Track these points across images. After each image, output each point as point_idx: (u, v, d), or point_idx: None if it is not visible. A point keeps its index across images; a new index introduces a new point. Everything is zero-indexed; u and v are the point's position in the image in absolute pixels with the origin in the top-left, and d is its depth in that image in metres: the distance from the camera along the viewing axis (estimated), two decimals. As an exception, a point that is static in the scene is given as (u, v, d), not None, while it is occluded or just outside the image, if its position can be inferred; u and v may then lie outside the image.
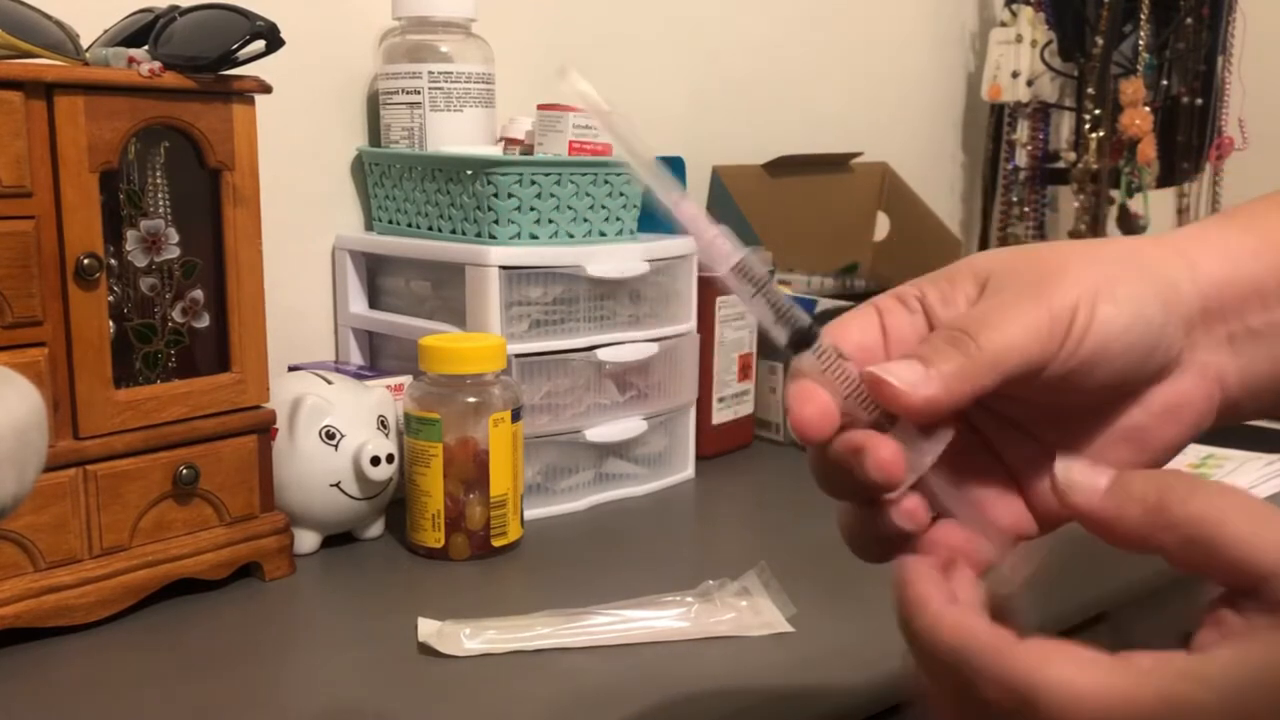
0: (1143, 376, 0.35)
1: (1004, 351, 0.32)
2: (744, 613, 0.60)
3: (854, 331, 0.35)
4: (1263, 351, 0.36)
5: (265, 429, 0.65)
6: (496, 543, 0.70)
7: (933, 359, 0.33)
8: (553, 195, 0.79)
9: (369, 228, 0.92)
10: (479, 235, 0.79)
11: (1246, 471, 0.84)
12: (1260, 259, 0.35)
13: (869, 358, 0.34)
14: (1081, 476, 0.32)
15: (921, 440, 0.34)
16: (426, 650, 0.56)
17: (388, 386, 0.73)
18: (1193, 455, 0.89)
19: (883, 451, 0.32)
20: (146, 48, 0.60)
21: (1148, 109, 1.23)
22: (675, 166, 0.93)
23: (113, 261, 0.60)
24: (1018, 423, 0.37)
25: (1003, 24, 1.34)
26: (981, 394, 0.33)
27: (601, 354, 0.80)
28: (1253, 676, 0.27)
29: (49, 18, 0.58)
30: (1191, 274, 0.35)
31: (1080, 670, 0.28)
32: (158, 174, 0.62)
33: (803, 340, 0.35)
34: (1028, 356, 0.32)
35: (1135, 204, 1.26)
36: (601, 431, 0.80)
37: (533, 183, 0.78)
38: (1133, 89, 1.22)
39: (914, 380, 0.32)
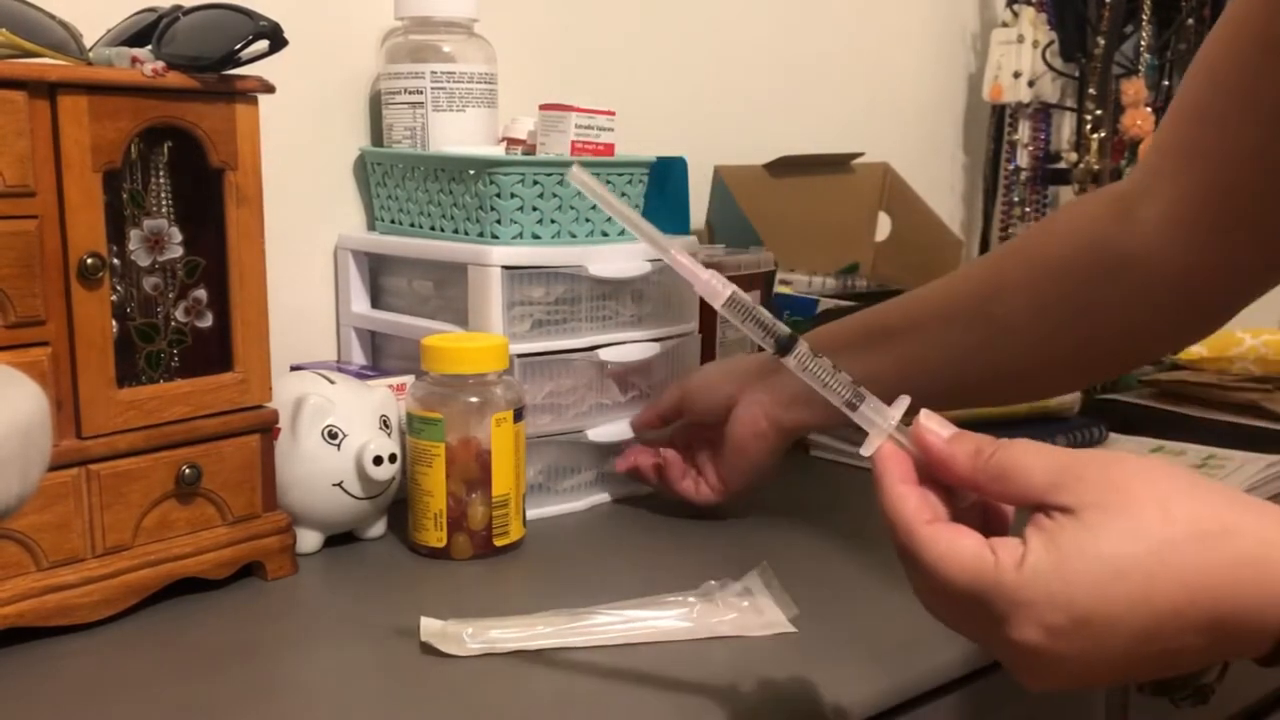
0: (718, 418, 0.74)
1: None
2: (746, 613, 0.60)
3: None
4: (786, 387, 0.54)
5: (268, 428, 0.65)
6: (499, 542, 0.70)
7: None
8: (555, 195, 0.79)
9: (371, 227, 0.92)
10: (481, 235, 0.79)
11: (1246, 471, 0.84)
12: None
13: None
14: (935, 425, 0.43)
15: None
16: (429, 650, 0.56)
17: (390, 386, 0.74)
18: (1194, 456, 0.89)
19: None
20: (150, 47, 0.60)
21: (1149, 109, 1.23)
22: (677, 166, 0.93)
23: (116, 261, 0.60)
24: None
25: (1004, 24, 1.34)
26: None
27: (603, 354, 0.80)
28: (1048, 558, 0.38)
29: (52, 17, 0.58)
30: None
31: (951, 541, 0.40)
32: (161, 174, 0.62)
33: (785, 347, 0.45)
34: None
35: (1136, 204, 1.25)
36: (603, 431, 0.80)
37: (535, 183, 0.79)
38: (1134, 89, 1.22)
39: None
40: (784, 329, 0.46)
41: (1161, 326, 0.64)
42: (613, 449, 0.81)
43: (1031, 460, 0.40)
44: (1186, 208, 0.59)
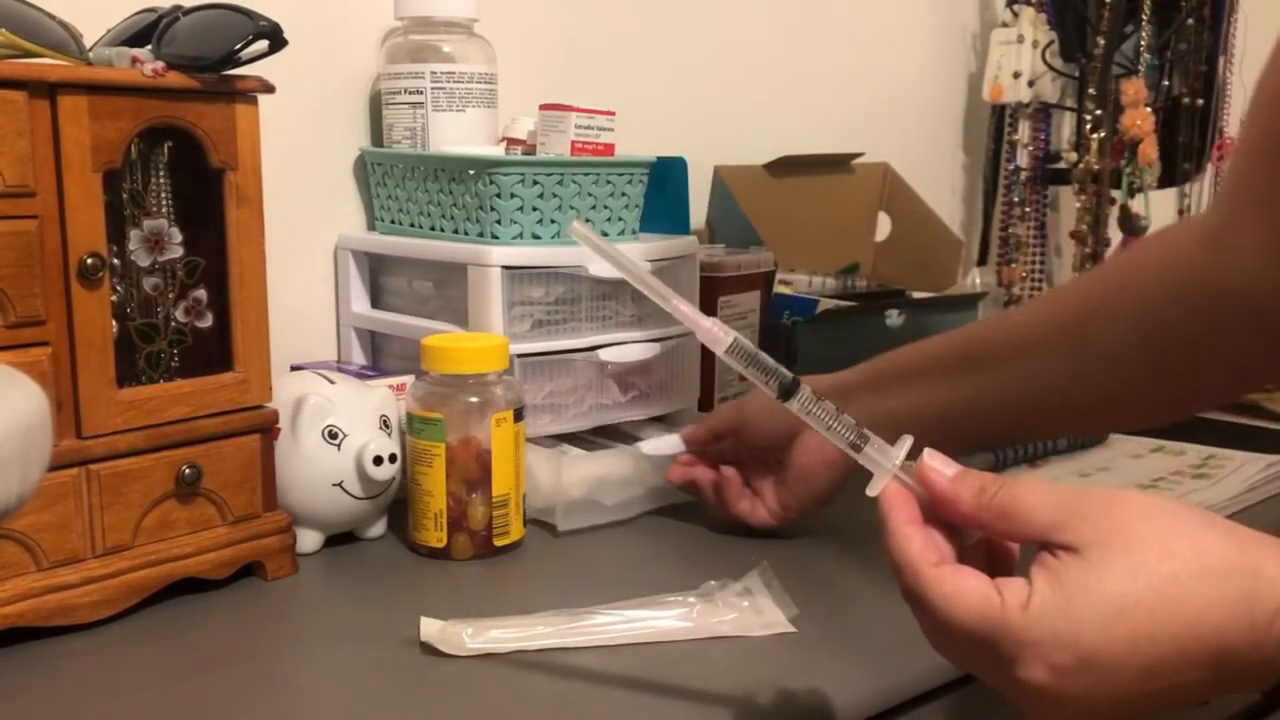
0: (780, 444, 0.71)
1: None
2: (746, 613, 0.60)
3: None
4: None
5: (268, 428, 0.65)
6: (499, 542, 0.70)
7: None
8: (555, 195, 0.79)
9: (371, 227, 0.92)
10: (481, 235, 0.79)
11: (1246, 471, 0.84)
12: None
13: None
14: (938, 464, 0.44)
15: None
16: (429, 650, 0.56)
17: (390, 386, 0.74)
18: (1194, 456, 0.89)
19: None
20: (150, 47, 0.60)
21: (1149, 109, 1.23)
22: (677, 166, 0.93)
23: (116, 261, 0.60)
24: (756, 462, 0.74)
25: (1004, 24, 1.34)
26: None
27: (604, 354, 0.80)
28: (1054, 598, 0.39)
29: (52, 17, 0.58)
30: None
31: (957, 582, 0.41)
32: (161, 174, 0.62)
33: (789, 391, 0.46)
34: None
35: (1137, 205, 1.26)
36: (657, 445, 0.78)
37: (535, 183, 0.79)
38: (1134, 89, 1.22)
39: None
40: (786, 374, 0.46)
41: (1259, 357, 0.60)
42: (664, 462, 0.77)
43: (1035, 498, 0.41)
44: (1278, 240, 0.56)
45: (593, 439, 0.85)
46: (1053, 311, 0.65)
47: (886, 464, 0.45)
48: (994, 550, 0.44)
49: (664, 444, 0.78)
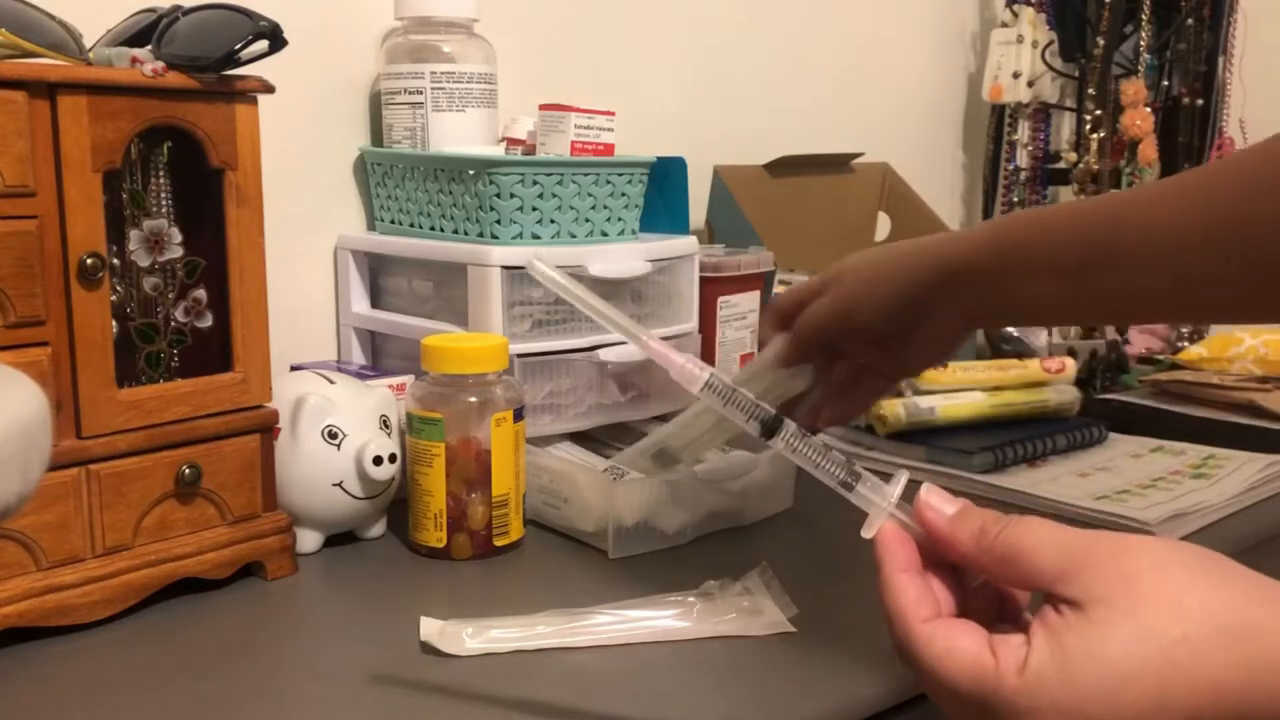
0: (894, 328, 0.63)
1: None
2: (745, 613, 0.60)
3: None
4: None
5: (268, 428, 0.65)
6: (499, 542, 0.70)
7: None
8: (554, 195, 0.79)
9: (371, 227, 0.93)
10: (481, 235, 0.79)
11: (1246, 472, 0.84)
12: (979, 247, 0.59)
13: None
14: (937, 501, 0.41)
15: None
16: (429, 650, 0.56)
17: (390, 386, 0.74)
18: (1194, 456, 0.89)
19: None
20: (149, 48, 0.60)
21: (1149, 109, 1.23)
22: (676, 166, 0.93)
23: (115, 261, 0.60)
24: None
25: (1004, 24, 1.34)
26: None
27: (603, 354, 0.80)
28: (1053, 661, 0.36)
29: (52, 18, 0.58)
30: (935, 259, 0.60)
31: (949, 640, 0.38)
32: (160, 174, 0.62)
33: (770, 430, 0.43)
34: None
35: (1136, 204, 1.25)
36: (714, 470, 0.75)
37: (535, 183, 0.79)
38: (1134, 89, 1.22)
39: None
40: (768, 410, 0.44)
41: None
42: (721, 486, 0.73)
43: (1038, 543, 0.38)
44: None
45: (603, 440, 0.85)
46: (1199, 213, 0.56)
47: (881, 503, 0.42)
48: (1002, 592, 0.42)
49: (721, 468, 0.74)
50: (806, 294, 0.67)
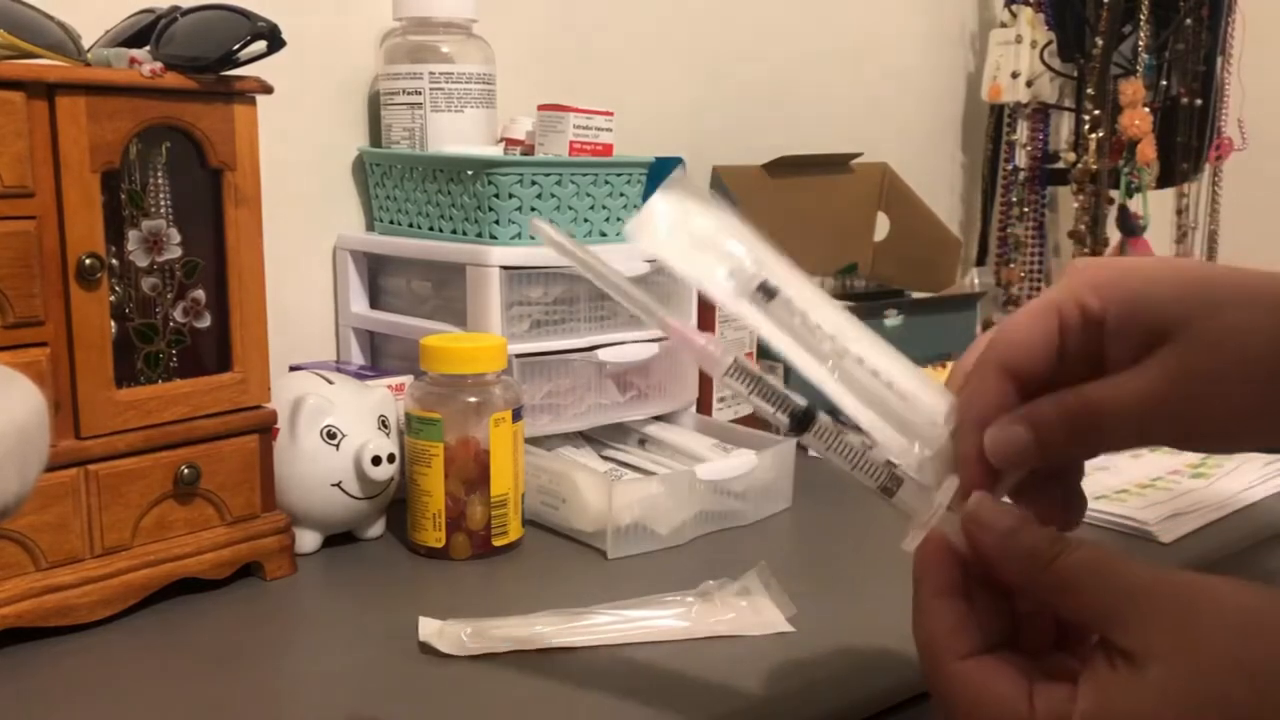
0: None
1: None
2: (744, 612, 0.60)
3: (1023, 333, 0.39)
4: None
5: (266, 429, 0.65)
6: (497, 542, 0.70)
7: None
8: (553, 195, 0.79)
9: (370, 228, 0.93)
10: (480, 235, 0.79)
11: (1246, 472, 0.84)
12: None
13: (1034, 363, 0.39)
14: (988, 515, 0.37)
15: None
16: (427, 650, 0.56)
17: (389, 386, 0.74)
18: (1192, 456, 0.89)
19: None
20: (148, 48, 0.60)
21: (1147, 109, 1.23)
22: (675, 166, 0.93)
23: (114, 261, 0.60)
24: None
25: (1002, 24, 1.34)
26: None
27: (602, 354, 0.80)
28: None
29: (51, 18, 0.58)
30: None
31: (984, 687, 0.35)
32: (159, 174, 0.62)
33: (802, 423, 0.39)
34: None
35: (1135, 204, 1.26)
36: (713, 470, 0.74)
37: (533, 183, 0.79)
38: (1132, 89, 1.22)
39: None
40: (799, 400, 0.39)
41: None
42: (719, 486, 0.74)
43: (1097, 580, 0.34)
44: None
45: (602, 440, 0.85)
46: None
47: (924, 514, 0.38)
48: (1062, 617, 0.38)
49: (720, 468, 0.74)
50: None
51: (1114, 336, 0.37)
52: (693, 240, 0.41)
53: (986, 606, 0.37)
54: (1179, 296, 0.36)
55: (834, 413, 0.40)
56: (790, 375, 0.40)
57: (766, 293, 0.40)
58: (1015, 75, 1.32)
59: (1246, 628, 0.31)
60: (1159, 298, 0.36)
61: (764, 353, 0.67)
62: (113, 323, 0.60)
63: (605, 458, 0.83)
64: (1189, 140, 1.31)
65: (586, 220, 0.82)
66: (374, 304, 0.90)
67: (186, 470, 0.61)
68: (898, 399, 0.40)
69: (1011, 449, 0.38)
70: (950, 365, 0.46)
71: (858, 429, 0.39)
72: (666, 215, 0.41)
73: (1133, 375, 0.36)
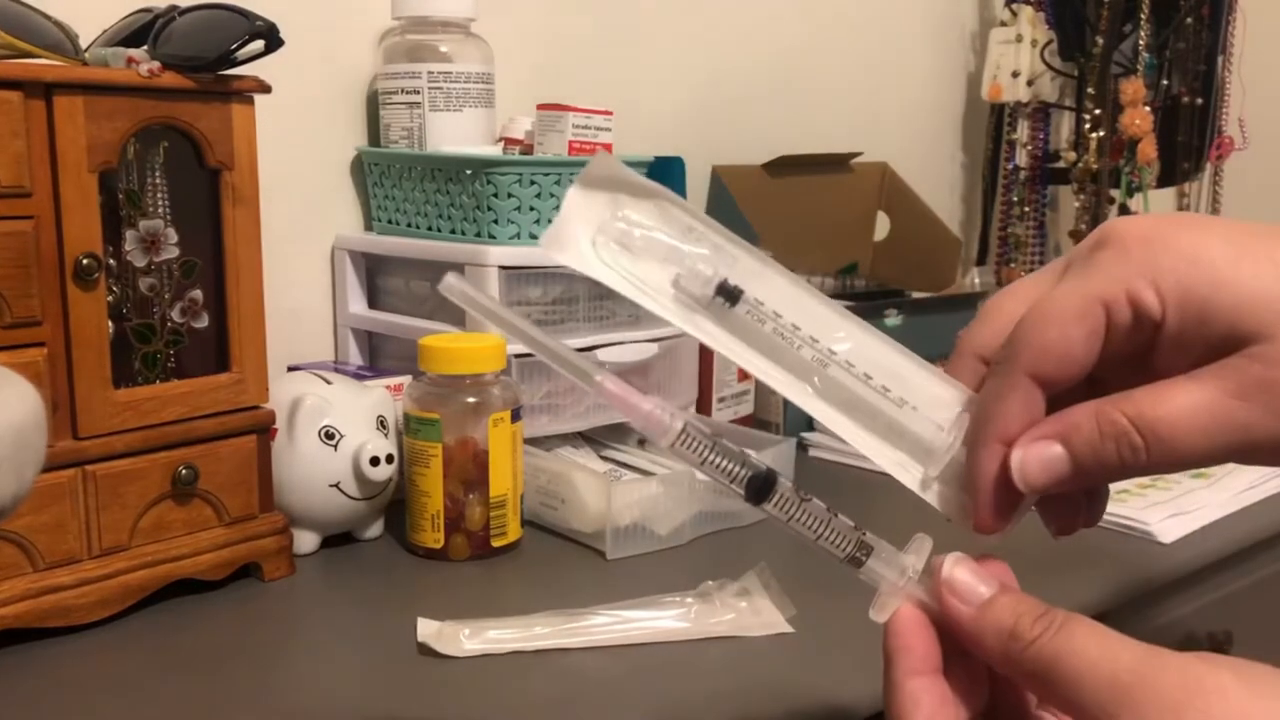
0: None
1: None
2: (743, 613, 0.60)
3: (1059, 337, 0.33)
4: None
5: (264, 429, 0.65)
6: (496, 543, 0.70)
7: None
8: (552, 195, 0.79)
9: (368, 228, 0.92)
10: (478, 235, 0.79)
11: (1247, 473, 0.83)
12: None
13: (1072, 373, 0.33)
14: (962, 583, 0.33)
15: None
16: (426, 651, 0.56)
17: (387, 386, 0.73)
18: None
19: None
20: (146, 48, 0.60)
21: (1148, 109, 1.23)
22: (675, 166, 0.93)
23: (112, 261, 0.60)
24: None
25: (1003, 24, 1.34)
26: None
27: (601, 354, 0.80)
28: None
29: (48, 18, 0.58)
30: None
31: None
32: (157, 174, 0.62)
33: (760, 493, 0.34)
34: None
35: (1135, 204, 1.26)
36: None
37: (532, 182, 0.78)
38: (1133, 89, 1.22)
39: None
40: (759, 464, 0.35)
41: None
42: (716, 487, 0.70)
43: (1082, 669, 0.30)
44: None
45: (602, 441, 0.85)
46: None
47: (897, 581, 0.34)
48: None
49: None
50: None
51: (1174, 341, 0.32)
52: (628, 243, 0.34)
53: (965, 676, 0.34)
54: (1258, 303, 0.31)
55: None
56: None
57: (728, 296, 0.34)
58: (1016, 74, 1.32)
59: (1239, 713, 0.28)
60: (1234, 304, 0.31)
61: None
62: (110, 323, 0.59)
63: (604, 458, 0.83)
64: (1190, 139, 1.31)
65: (586, 220, 0.82)
66: (372, 304, 0.89)
67: (184, 471, 0.61)
68: (895, 406, 0.35)
69: (1044, 472, 0.33)
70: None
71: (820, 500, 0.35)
72: (589, 215, 0.34)
73: (1198, 386, 0.32)
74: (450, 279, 0.34)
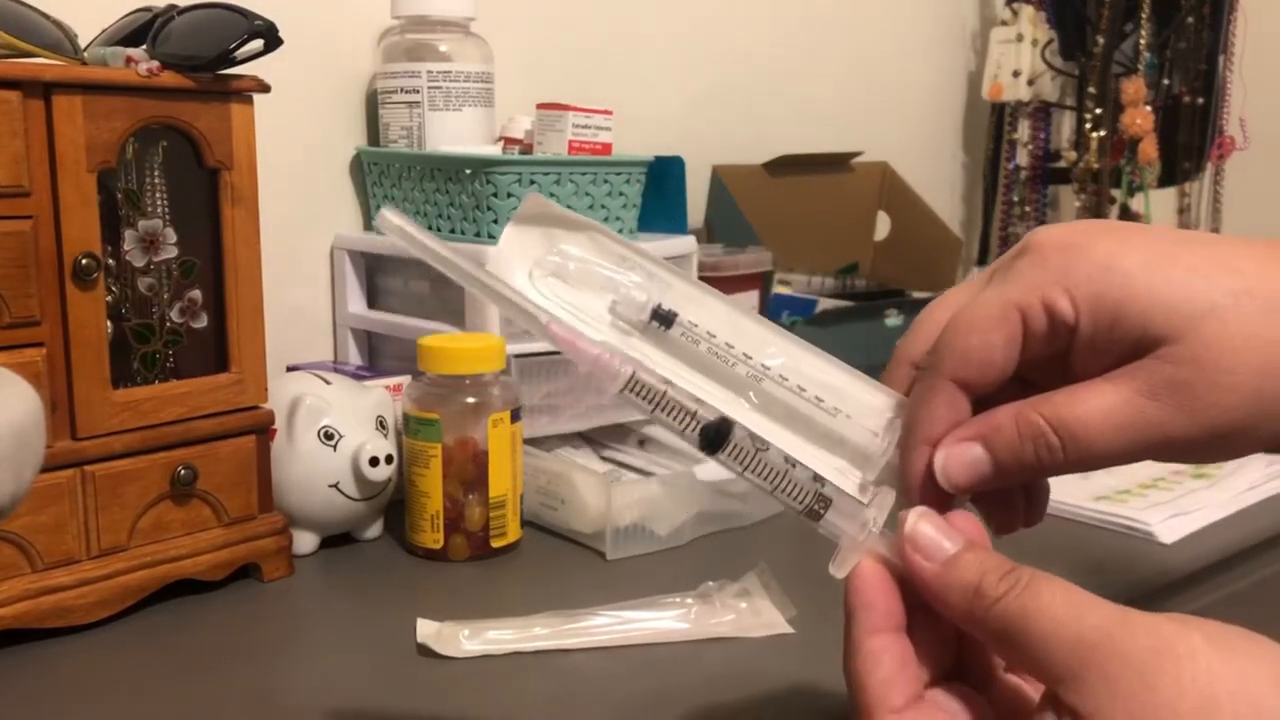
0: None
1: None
2: (744, 614, 0.60)
3: (979, 344, 0.34)
4: None
5: (264, 429, 0.65)
6: (496, 543, 0.70)
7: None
8: (552, 195, 0.79)
9: (368, 227, 0.92)
10: (478, 235, 0.79)
11: (1248, 473, 0.83)
12: None
13: (992, 377, 0.34)
14: (926, 538, 0.33)
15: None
16: (425, 651, 0.56)
17: (386, 387, 0.73)
18: (1194, 455, 0.89)
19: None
20: (145, 47, 0.59)
21: (1149, 108, 1.23)
22: (675, 166, 0.93)
23: (110, 261, 0.60)
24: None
25: (1003, 23, 1.34)
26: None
27: (601, 354, 0.80)
28: None
29: (47, 17, 0.57)
30: None
31: None
32: (156, 173, 0.61)
33: (714, 441, 0.34)
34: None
35: (1136, 203, 1.26)
36: (712, 470, 0.72)
37: (532, 182, 0.78)
38: (1134, 88, 1.22)
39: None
40: (711, 412, 0.34)
41: None
42: (719, 486, 0.73)
43: (1046, 630, 0.29)
44: None
45: (601, 441, 0.85)
46: None
47: (858, 536, 0.34)
48: None
49: (719, 469, 0.73)
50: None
51: (1089, 346, 0.33)
52: (563, 275, 0.35)
53: (930, 634, 0.33)
54: (1166, 307, 0.32)
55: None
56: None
57: (662, 320, 0.35)
58: (1016, 74, 1.31)
59: (1206, 711, 0.27)
60: (1145, 309, 0.32)
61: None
62: (109, 323, 0.59)
63: (604, 458, 0.83)
64: (1191, 139, 1.31)
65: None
66: (372, 304, 0.89)
67: (183, 471, 0.61)
68: (829, 415, 0.36)
69: (966, 472, 0.34)
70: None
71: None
72: (524, 252, 0.35)
73: (1112, 387, 0.32)
74: (385, 212, 0.33)
